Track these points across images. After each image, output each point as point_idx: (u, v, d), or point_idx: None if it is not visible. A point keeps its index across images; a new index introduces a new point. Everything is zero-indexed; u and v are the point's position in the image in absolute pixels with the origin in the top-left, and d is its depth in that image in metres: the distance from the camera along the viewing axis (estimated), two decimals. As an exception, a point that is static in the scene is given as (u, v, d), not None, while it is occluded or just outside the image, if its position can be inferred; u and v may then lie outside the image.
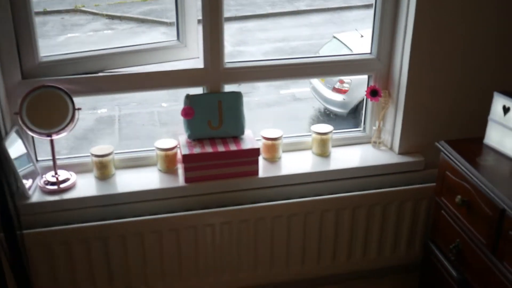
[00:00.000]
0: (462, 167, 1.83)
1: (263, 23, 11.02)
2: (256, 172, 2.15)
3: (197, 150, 2.09)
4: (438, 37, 2.11)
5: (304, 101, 8.66)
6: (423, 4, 2.05)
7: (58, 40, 11.41)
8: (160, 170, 2.19)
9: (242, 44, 10.30)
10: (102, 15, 11.53)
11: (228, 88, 2.23)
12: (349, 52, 6.65)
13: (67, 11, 11.55)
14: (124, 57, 2.19)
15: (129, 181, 2.14)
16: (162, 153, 2.16)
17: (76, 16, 11.44)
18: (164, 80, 2.15)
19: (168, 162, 2.17)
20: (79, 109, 2.05)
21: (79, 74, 2.10)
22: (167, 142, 2.18)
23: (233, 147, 2.11)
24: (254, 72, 2.19)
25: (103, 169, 2.14)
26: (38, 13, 10.93)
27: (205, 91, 2.19)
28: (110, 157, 2.13)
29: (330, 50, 7.60)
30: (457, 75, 2.19)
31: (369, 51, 2.29)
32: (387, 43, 2.22)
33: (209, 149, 2.09)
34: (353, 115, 6.55)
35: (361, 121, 2.41)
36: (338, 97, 6.75)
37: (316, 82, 7.64)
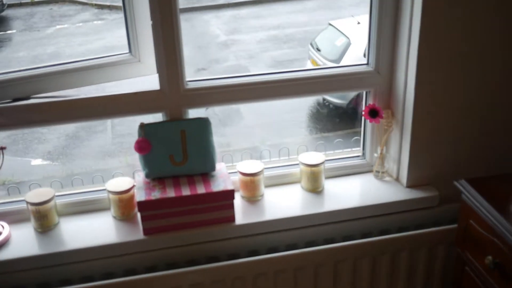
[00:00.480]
0: (492, 219, 1.39)
1: (257, 10, 10.53)
2: (231, 218, 1.71)
3: (155, 194, 1.65)
4: (452, 43, 1.65)
5: (301, 91, 8.20)
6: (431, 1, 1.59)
7: (47, 32, 10.94)
8: (114, 217, 1.75)
9: (236, 33, 9.83)
10: (91, 4, 11.07)
11: (193, 113, 1.78)
12: (346, 40, 6.25)
13: (56, 2, 11.12)
14: (62, 78, 1.73)
15: (76, 234, 1.70)
16: (115, 197, 1.72)
17: (64, 6, 10.93)
18: (111, 106, 1.70)
19: (123, 208, 1.73)
20: (3, 148, 1.62)
21: (4, 100, 1.66)
22: (121, 183, 1.74)
23: (201, 189, 1.66)
24: (223, 93, 1.74)
25: (42, 219, 1.70)
26: (25, 4, 10.42)
27: (164, 118, 1.74)
28: (50, 204, 1.69)
29: (326, 38, 7.17)
30: (478, 91, 1.73)
31: (365, 61, 1.84)
32: (387, 51, 1.77)
33: (171, 193, 1.65)
34: (353, 107, 6.23)
35: (360, 146, 1.96)
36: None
37: (310, 67, 7.22)
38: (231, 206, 1.69)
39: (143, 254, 1.69)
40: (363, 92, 1.89)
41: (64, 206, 1.77)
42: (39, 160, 6.84)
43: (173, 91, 1.68)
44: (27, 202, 1.68)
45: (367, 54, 1.83)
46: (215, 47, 9.35)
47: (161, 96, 1.69)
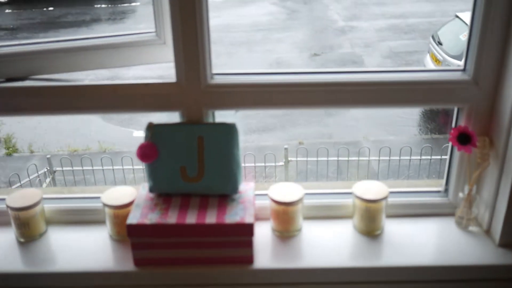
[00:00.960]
0: None
1: (380, -3, 9.84)
2: (249, 259, 1.27)
3: (152, 217, 1.24)
4: None
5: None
6: None
7: (170, 7, 10.90)
8: (110, 236, 1.38)
9: (355, 19, 9.24)
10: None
11: (219, 116, 1.35)
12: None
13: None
14: (68, 57, 1.37)
15: (61, 251, 1.35)
16: (110, 211, 1.34)
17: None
18: (116, 99, 1.31)
19: (119, 226, 1.35)
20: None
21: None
22: (122, 194, 1.36)
23: (211, 218, 1.24)
24: (260, 93, 1.29)
25: (23, 228, 1.36)
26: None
27: (182, 120, 1.33)
28: (34, 210, 1.35)
29: (450, 31, 6.44)
30: None
31: (461, 67, 1.30)
32: (493, 55, 1.22)
33: (172, 218, 1.24)
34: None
35: (443, 182, 1.44)
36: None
37: (428, 62, 6.55)
38: (249, 244, 1.25)
39: (135, 289, 1.30)
40: (453, 109, 1.36)
41: (56, 212, 1.43)
42: (141, 131, 6.77)
43: (193, 85, 1.26)
44: (7, 206, 1.35)
45: (464, 57, 1.30)
46: (331, 33, 8.84)
47: (177, 91, 1.28)
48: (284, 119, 6.58)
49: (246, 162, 5.00)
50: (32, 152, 6.10)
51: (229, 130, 1.28)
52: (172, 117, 1.32)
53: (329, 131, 6.52)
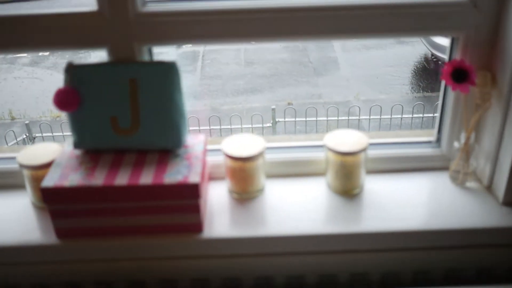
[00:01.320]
0: None
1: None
2: (197, 226, 1.02)
3: (73, 178, 0.98)
4: None
5: (409, 44, 7.26)
6: None
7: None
8: (33, 203, 1.13)
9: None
10: None
11: (158, 53, 1.08)
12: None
13: None
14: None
15: (-27, 220, 1.09)
16: (28, 172, 1.08)
17: None
18: (21, 34, 1.03)
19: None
20: None
21: None
22: (44, 152, 1.10)
23: (146, 178, 0.98)
24: (207, 23, 1.01)
25: None
26: None
27: (110, 59, 1.06)
28: None
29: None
30: None
31: (458, -15, 1.02)
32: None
33: (98, 179, 0.98)
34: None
35: (435, 131, 1.18)
36: (447, 42, 5.42)
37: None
38: (196, 208, 0.99)
39: (60, 266, 1.05)
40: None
41: (-29, 176, 1.17)
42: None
43: (119, 15, 0.99)
44: None
45: (460, -26, 1.02)
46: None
47: (100, 22, 1.00)
48: (272, 79, 6.30)
49: (232, 124, 4.77)
50: (13, 118, 5.82)
51: (168, 70, 1.01)
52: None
53: (319, 91, 6.26)
